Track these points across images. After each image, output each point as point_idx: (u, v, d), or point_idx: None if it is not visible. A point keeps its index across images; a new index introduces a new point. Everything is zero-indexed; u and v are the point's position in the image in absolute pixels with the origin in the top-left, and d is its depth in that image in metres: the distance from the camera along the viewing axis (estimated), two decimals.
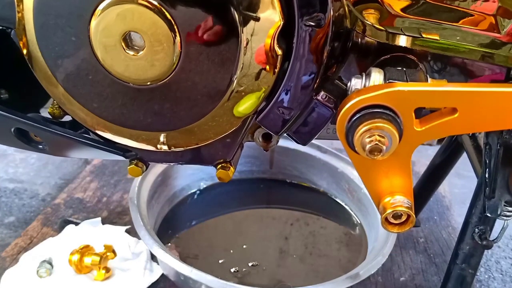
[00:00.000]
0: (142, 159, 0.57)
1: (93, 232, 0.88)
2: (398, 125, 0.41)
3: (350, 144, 0.42)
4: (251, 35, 0.44)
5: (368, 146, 0.41)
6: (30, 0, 0.46)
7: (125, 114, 0.51)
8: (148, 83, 0.48)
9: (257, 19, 0.43)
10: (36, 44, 0.48)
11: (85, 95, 0.51)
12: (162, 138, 0.53)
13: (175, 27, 0.44)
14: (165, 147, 0.54)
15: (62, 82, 0.50)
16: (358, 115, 0.41)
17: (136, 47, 0.46)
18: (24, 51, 0.49)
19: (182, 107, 0.49)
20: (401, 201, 0.45)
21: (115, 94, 0.50)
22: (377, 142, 0.40)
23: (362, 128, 0.41)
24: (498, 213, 0.53)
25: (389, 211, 0.45)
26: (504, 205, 0.52)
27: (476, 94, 0.41)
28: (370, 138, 0.40)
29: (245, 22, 0.43)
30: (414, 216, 0.45)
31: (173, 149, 0.54)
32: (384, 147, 0.41)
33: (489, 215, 0.53)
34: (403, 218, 0.45)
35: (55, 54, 0.48)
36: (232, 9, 0.43)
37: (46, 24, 0.46)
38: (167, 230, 0.91)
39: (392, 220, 0.46)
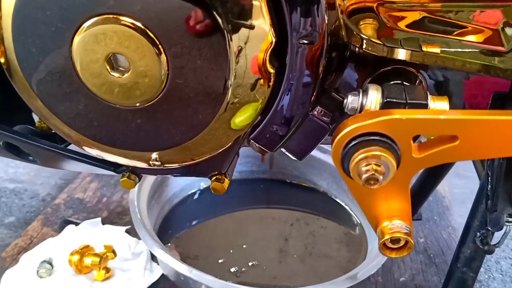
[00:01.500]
0: (135, 172, 0.55)
1: (93, 232, 0.88)
2: (395, 152, 0.39)
3: (345, 171, 0.41)
4: (244, 43, 0.41)
5: (364, 176, 0.39)
6: (9, 7, 0.42)
7: (113, 134, 0.48)
8: (137, 104, 0.45)
9: (247, 27, 0.41)
10: (14, 53, 0.45)
11: (67, 114, 0.48)
12: (154, 155, 0.50)
13: (160, 46, 0.41)
14: (158, 163, 0.51)
15: (41, 97, 0.47)
16: (354, 142, 0.39)
17: (121, 68, 0.43)
18: (2, 60, 0.46)
19: (175, 125, 0.47)
20: (399, 226, 0.44)
21: (100, 113, 0.47)
22: (373, 172, 0.38)
23: (358, 156, 0.39)
24: (500, 226, 0.52)
25: (387, 237, 0.44)
26: (506, 218, 0.51)
27: (477, 122, 0.39)
28: (366, 167, 0.39)
29: (234, 30, 0.41)
30: (412, 242, 0.43)
31: (166, 166, 0.51)
32: (381, 177, 0.39)
33: (490, 229, 0.53)
34: (401, 243, 0.44)
35: (33, 66, 0.45)
36: (217, 18, 0.40)
37: (25, 35, 0.43)
38: (167, 230, 0.91)
39: (390, 245, 0.44)
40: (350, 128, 0.39)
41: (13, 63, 0.45)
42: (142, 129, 0.47)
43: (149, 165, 0.51)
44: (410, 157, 0.41)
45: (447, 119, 0.39)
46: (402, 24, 0.49)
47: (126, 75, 0.43)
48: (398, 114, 0.39)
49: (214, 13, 0.40)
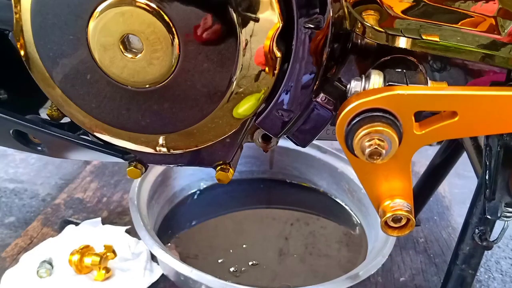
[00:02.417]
0: (141, 161, 0.57)
1: (93, 232, 0.88)
2: (397, 128, 0.41)
3: (349, 147, 0.42)
4: (250, 36, 0.43)
5: (367, 150, 0.40)
6: (27, 2, 0.45)
7: (124, 116, 0.51)
8: (147, 86, 0.47)
9: (256, 20, 0.43)
10: (34, 45, 0.48)
11: (82, 97, 0.50)
12: (161, 140, 0.52)
13: (173, 29, 0.43)
14: (164, 149, 0.53)
15: (59, 84, 0.50)
16: (357, 119, 0.41)
17: (134, 50, 0.45)
18: (22, 53, 0.49)
19: (181, 109, 0.49)
20: (400, 205, 0.45)
21: (113, 96, 0.49)
22: (376, 146, 0.40)
23: (361, 132, 0.40)
24: (498, 215, 0.52)
25: (388, 214, 0.45)
26: (504, 207, 0.52)
27: (476, 97, 0.40)
28: (369, 142, 0.40)
29: (244, 23, 0.43)
30: (413, 219, 0.45)
31: (172, 151, 0.54)
32: (384, 151, 0.40)
33: (489, 217, 0.53)
34: (403, 221, 0.45)
35: (53, 56, 0.48)
36: (230, 10, 0.42)
37: (44, 26, 0.46)
38: (167, 230, 0.91)
39: (391, 224, 0.45)
40: (353, 105, 0.41)
41: (33, 55, 0.48)
42: (151, 111, 0.49)
43: (156, 151, 0.53)
44: (412, 133, 0.42)
45: (447, 94, 0.41)
46: (404, 14, 0.50)
47: (139, 55, 0.45)
48: (400, 90, 0.40)
49: (228, 6, 0.42)
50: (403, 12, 0.50)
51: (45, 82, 0.50)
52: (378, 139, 0.40)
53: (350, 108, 0.41)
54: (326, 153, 1.03)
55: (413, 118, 0.41)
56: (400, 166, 0.45)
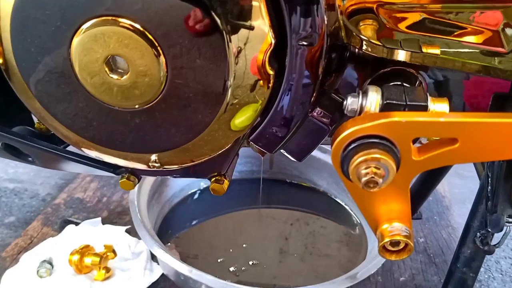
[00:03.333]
0: (134, 173, 0.55)
1: (93, 232, 0.88)
2: (395, 155, 0.39)
3: (345, 173, 0.40)
4: (244, 44, 0.41)
5: (363, 179, 0.39)
6: (8, 6, 0.42)
7: (112, 135, 0.48)
8: (136, 106, 0.45)
9: (247, 28, 0.41)
10: (12, 54, 0.44)
11: (65, 114, 0.47)
12: (153, 157, 0.50)
13: (158, 47, 0.41)
14: (157, 165, 0.51)
15: (39, 98, 0.47)
16: (353, 145, 0.39)
17: (120, 70, 0.43)
18: (0, 61, 0.45)
19: (174, 128, 0.46)
20: (399, 229, 0.44)
21: (99, 115, 0.47)
22: (373, 175, 0.38)
23: (357, 159, 0.38)
24: (500, 228, 0.52)
25: (386, 239, 0.43)
26: (507, 219, 0.51)
27: (477, 124, 0.39)
28: (366, 170, 0.38)
29: (233, 31, 0.41)
30: (412, 244, 0.43)
31: (166, 167, 0.51)
32: (381, 180, 0.39)
33: (490, 230, 0.53)
34: (401, 245, 0.44)
35: (32, 68, 0.45)
36: (216, 18, 0.40)
37: (23, 36, 0.43)
38: (167, 230, 0.91)
39: (389, 248, 0.44)
40: (349, 131, 0.39)
41: (11, 64, 0.45)
42: (141, 131, 0.47)
43: (149, 166, 0.51)
44: (410, 159, 0.40)
45: (447, 121, 0.39)
46: (402, 25, 0.48)
47: (125, 77, 0.43)
48: (398, 117, 0.38)
49: (213, 13, 0.40)
50: (402, 26, 0.48)
51: (25, 94, 0.47)
52: (375, 167, 0.38)
53: (345, 134, 0.39)
54: (326, 153, 1.03)
55: (411, 144, 0.40)
56: (398, 191, 0.43)
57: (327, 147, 1.02)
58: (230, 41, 0.41)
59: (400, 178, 0.41)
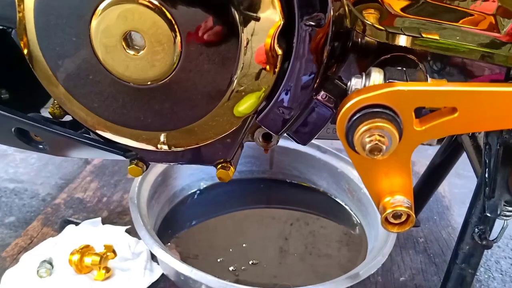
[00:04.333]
0: (143, 159, 0.58)
1: (93, 232, 0.88)
2: (398, 124, 0.41)
3: (350, 143, 0.42)
4: (251, 35, 0.44)
5: (368, 146, 0.41)
6: (31, 0, 0.46)
7: (126, 113, 0.51)
8: (149, 83, 0.48)
9: (257, 19, 0.43)
10: (37, 43, 0.48)
11: (85, 95, 0.51)
12: (162, 138, 0.53)
13: (176, 27, 0.44)
14: (165, 147, 0.54)
15: (62, 82, 0.50)
16: (358, 115, 0.41)
17: (136, 47, 0.46)
18: (25, 51, 0.49)
19: (182, 107, 0.49)
20: (401, 201, 0.45)
21: (116, 94, 0.50)
22: (377, 142, 0.40)
23: (362, 128, 0.41)
24: (498, 213, 0.53)
25: (389, 211, 0.45)
26: (504, 205, 0.52)
27: (476, 93, 0.41)
28: (370, 138, 0.40)
29: (245, 22, 0.43)
30: (414, 216, 0.45)
31: (173, 149, 0.54)
32: (384, 147, 0.41)
33: (488, 215, 0.53)
34: (403, 218, 0.46)
35: (56, 54, 0.48)
36: (232, 9, 0.43)
37: (47, 24, 0.47)
38: (167, 230, 0.91)
39: (392, 220, 0.46)
40: (354, 101, 0.41)
41: (36, 54, 0.49)
42: (152, 108, 0.50)
43: (157, 148, 0.54)
44: (412, 129, 0.42)
45: (446, 90, 0.41)
46: (404, 12, 0.51)
47: (141, 52, 0.46)
48: (400, 86, 0.41)
49: (230, 5, 0.42)
50: (403, 10, 0.50)
51: (48, 81, 0.51)
52: (379, 135, 0.40)
53: (350, 104, 0.41)
54: (326, 153, 1.03)
55: (413, 114, 0.42)
56: (400, 162, 0.45)
57: (327, 147, 1.02)
58: (243, 32, 0.44)
59: (402, 149, 0.43)
